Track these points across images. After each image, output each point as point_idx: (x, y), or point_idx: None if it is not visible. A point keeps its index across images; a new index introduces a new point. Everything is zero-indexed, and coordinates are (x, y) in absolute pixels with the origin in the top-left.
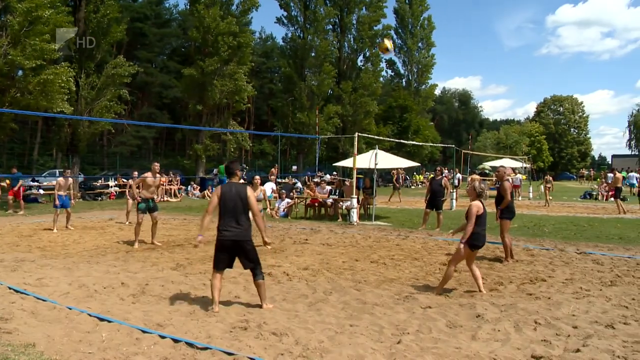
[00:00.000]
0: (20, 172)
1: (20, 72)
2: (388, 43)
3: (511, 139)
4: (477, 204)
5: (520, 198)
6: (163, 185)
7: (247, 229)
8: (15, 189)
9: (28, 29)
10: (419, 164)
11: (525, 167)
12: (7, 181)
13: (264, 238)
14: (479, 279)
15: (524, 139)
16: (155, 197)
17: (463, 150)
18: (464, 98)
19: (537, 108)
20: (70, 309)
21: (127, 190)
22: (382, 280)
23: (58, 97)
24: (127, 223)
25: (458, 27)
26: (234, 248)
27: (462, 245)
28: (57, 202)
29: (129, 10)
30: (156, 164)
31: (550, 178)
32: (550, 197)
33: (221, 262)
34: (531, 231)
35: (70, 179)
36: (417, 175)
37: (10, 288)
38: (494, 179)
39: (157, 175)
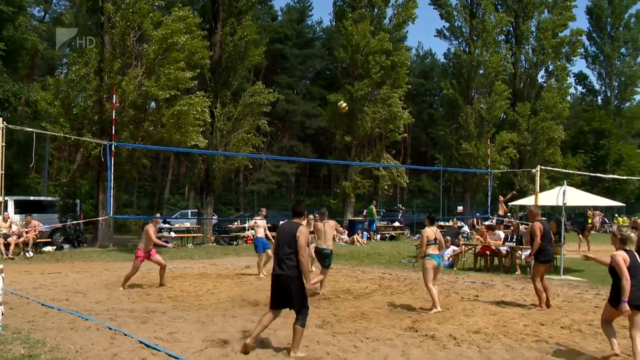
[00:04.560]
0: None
1: (153, 104)
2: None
3: None
4: None
5: None
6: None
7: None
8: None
9: (163, 57)
10: (624, 204)
11: None
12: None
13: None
14: None
15: None
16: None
17: None
18: None
19: None
20: None
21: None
22: (577, 352)
23: (192, 130)
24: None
25: None
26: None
27: None
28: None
29: (267, 31)
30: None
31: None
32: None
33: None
34: None
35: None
36: (619, 218)
37: (141, 342)
38: None
39: None
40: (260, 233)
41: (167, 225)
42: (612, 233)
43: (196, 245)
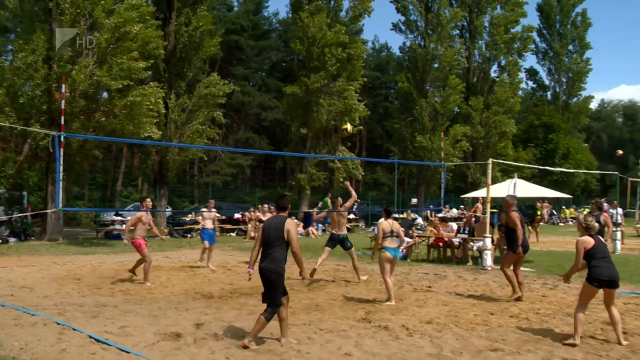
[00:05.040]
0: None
1: (105, 94)
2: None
3: None
4: None
5: None
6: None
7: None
8: None
9: (115, 46)
10: (570, 196)
11: None
12: None
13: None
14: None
15: None
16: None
17: (630, 179)
18: (631, 111)
19: None
20: None
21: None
22: (525, 340)
23: (146, 121)
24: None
25: (624, 21)
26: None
27: None
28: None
29: (223, 22)
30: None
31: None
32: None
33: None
34: None
35: (213, 212)
36: (566, 210)
37: (91, 337)
38: None
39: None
40: (208, 224)
41: (119, 218)
42: (578, 221)
43: (149, 238)
